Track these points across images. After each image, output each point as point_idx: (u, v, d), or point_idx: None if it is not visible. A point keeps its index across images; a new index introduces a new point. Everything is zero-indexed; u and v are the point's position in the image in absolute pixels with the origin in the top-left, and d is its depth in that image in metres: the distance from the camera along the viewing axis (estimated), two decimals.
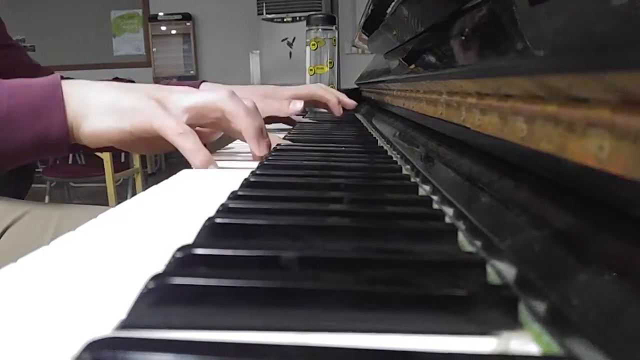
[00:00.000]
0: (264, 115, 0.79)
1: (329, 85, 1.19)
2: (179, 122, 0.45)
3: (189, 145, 0.45)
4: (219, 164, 0.51)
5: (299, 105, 0.80)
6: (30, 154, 0.46)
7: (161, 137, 0.45)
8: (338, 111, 0.88)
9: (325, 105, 0.89)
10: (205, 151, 0.46)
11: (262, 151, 0.49)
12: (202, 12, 4.50)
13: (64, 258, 0.22)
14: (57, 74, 0.46)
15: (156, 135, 0.45)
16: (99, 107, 0.45)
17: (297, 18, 3.61)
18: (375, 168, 0.45)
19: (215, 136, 0.55)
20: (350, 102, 0.90)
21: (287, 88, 0.86)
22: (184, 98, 0.48)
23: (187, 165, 0.49)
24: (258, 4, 3.75)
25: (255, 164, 0.44)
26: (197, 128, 0.50)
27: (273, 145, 0.53)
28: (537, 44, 0.20)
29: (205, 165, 0.46)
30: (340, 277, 0.18)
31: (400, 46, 0.69)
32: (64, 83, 0.45)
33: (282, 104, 0.80)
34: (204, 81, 0.86)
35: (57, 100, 0.44)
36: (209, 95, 0.48)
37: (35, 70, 0.87)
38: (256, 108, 0.50)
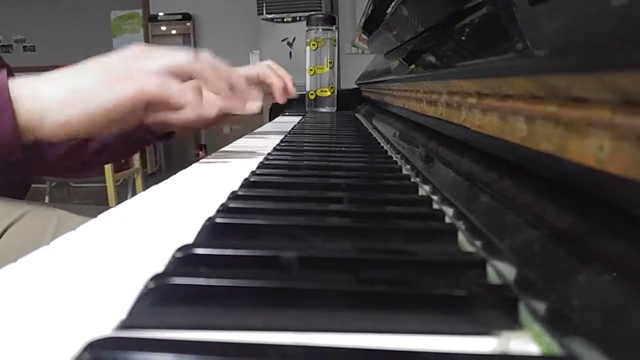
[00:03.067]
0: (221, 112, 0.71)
1: (328, 86, 1.19)
2: (158, 75, 0.44)
3: (174, 88, 0.44)
4: (219, 163, 0.51)
5: (256, 107, 0.67)
6: None
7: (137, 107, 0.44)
8: (280, 98, 0.78)
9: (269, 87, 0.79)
10: (196, 94, 0.45)
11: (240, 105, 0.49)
12: (202, 12, 4.50)
13: (64, 258, 0.22)
14: (3, 72, 0.42)
15: (133, 106, 0.43)
16: (60, 97, 0.42)
17: (297, 18, 3.61)
18: (375, 168, 0.45)
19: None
20: (293, 91, 0.80)
21: (237, 70, 0.79)
22: (149, 64, 0.45)
23: (187, 165, 0.49)
24: (258, 4, 3.75)
25: (255, 164, 0.44)
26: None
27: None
28: (537, 44, 0.20)
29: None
30: (341, 277, 0.18)
31: (400, 46, 0.69)
32: (16, 82, 0.42)
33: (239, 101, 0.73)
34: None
35: (5, 102, 0.41)
36: (174, 58, 0.46)
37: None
38: (222, 66, 0.49)
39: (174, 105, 0.45)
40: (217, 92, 0.48)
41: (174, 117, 0.47)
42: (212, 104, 0.49)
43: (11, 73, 0.65)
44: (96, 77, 0.43)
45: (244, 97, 0.49)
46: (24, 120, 0.42)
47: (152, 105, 0.45)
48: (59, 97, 0.42)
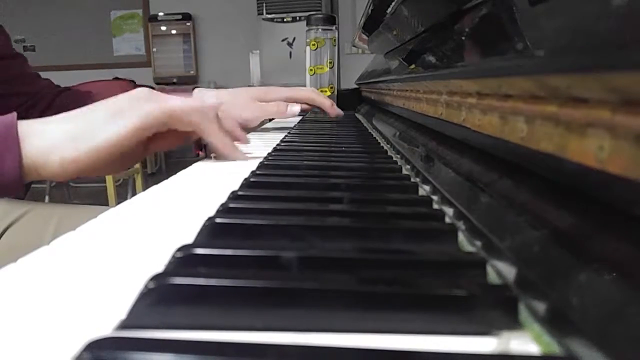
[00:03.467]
0: (259, 120, 0.79)
1: (328, 86, 1.19)
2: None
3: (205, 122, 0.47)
4: (220, 163, 0.51)
5: (296, 108, 0.80)
6: None
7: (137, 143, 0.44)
8: (335, 112, 0.90)
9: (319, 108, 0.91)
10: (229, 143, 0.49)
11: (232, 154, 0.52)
12: (202, 12, 4.50)
13: (64, 258, 0.22)
14: (14, 114, 0.43)
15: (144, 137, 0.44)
16: (67, 134, 0.43)
17: (297, 18, 3.61)
18: (375, 168, 0.45)
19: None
20: (340, 111, 0.93)
21: (281, 89, 0.86)
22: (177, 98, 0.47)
23: (186, 165, 0.49)
24: (258, 4, 3.76)
25: (255, 164, 0.44)
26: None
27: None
28: (537, 44, 0.20)
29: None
30: (341, 277, 0.18)
31: (400, 46, 0.69)
32: (20, 125, 0.42)
33: (279, 106, 0.80)
34: (196, 87, 0.86)
35: (11, 143, 0.41)
36: (170, 105, 0.47)
37: (35, 80, 0.86)
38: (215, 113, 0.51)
39: (176, 127, 0.46)
40: (211, 141, 0.50)
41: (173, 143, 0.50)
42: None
43: (47, 81, 0.66)
44: (101, 114, 0.44)
45: (236, 141, 0.53)
46: (31, 158, 0.42)
47: (154, 137, 0.46)
48: (66, 133, 0.43)
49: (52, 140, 0.42)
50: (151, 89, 0.48)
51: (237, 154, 0.52)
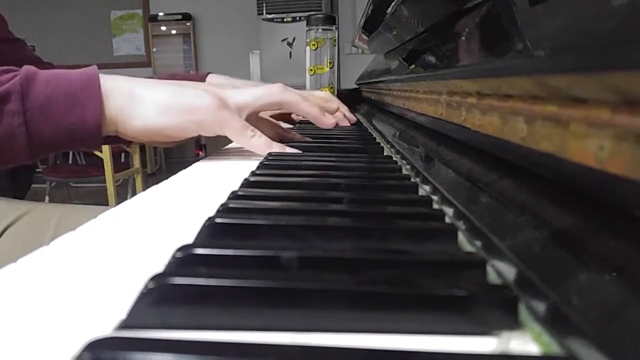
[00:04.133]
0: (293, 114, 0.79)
1: (328, 86, 1.19)
2: (244, 124, 0.49)
3: (262, 142, 0.50)
4: (219, 163, 0.51)
5: (332, 122, 0.71)
6: (63, 145, 0.45)
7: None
8: (325, 123, 0.84)
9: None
10: (273, 143, 0.51)
11: (330, 120, 0.60)
12: (202, 12, 4.50)
13: (64, 258, 0.22)
14: (95, 67, 0.46)
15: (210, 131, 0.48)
16: (152, 103, 0.46)
17: (297, 18, 3.61)
18: (375, 168, 0.45)
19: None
20: (352, 117, 0.92)
21: (315, 95, 0.86)
22: (241, 96, 0.50)
23: (186, 165, 0.49)
24: (258, 4, 3.75)
25: (255, 164, 0.44)
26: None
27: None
28: (537, 44, 0.20)
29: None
30: (340, 277, 0.18)
31: (400, 46, 0.69)
32: (104, 77, 0.45)
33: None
34: (209, 73, 0.86)
35: (93, 93, 0.44)
36: (265, 92, 0.52)
37: (36, 64, 0.86)
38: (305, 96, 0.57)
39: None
40: (310, 118, 0.57)
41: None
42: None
43: (51, 65, 0.66)
44: (198, 97, 0.47)
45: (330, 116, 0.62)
46: (114, 113, 0.45)
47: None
48: (156, 103, 0.46)
49: (141, 106, 0.45)
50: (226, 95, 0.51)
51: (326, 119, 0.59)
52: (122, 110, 0.45)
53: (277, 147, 0.51)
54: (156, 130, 0.46)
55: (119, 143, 0.68)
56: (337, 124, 0.85)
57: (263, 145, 0.50)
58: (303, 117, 0.95)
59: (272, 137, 0.52)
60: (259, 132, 0.50)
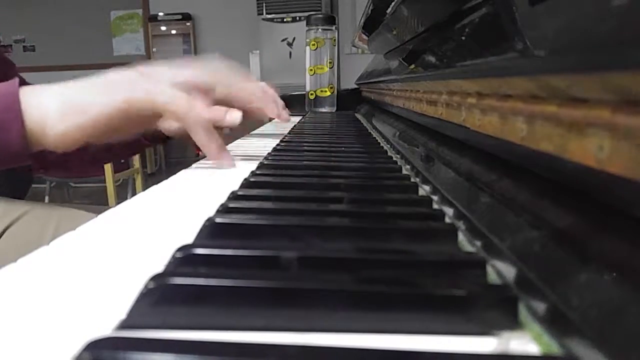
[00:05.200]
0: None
1: (328, 86, 1.19)
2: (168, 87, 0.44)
3: (182, 99, 0.44)
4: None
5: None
6: None
7: (140, 115, 0.44)
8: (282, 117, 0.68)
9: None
10: (195, 105, 0.45)
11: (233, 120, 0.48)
12: (202, 12, 4.50)
13: (64, 258, 0.22)
14: (16, 80, 0.43)
15: (134, 114, 0.44)
16: (57, 109, 0.43)
17: (297, 18, 3.61)
18: (375, 168, 0.45)
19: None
20: (285, 115, 0.69)
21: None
22: (169, 73, 0.47)
23: (186, 165, 0.49)
24: (258, 4, 3.75)
25: (255, 164, 0.44)
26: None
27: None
28: (537, 44, 0.20)
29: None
30: (340, 277, 0.18)
31: (400, 46, 0.69)
32: (22, 92, 0.43)
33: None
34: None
35: (14, 114, 0.42)
36: (187, 76, 0.47)
37: (7, 68, 0.84)
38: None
39: (164, 112, 0.45)
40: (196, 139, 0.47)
41: (169, 126, 0.49)
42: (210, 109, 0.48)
43: (16, 74, 0.64)
44: (95, 88, 0.45)
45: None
46: (31, 130, 0.43)
47: (153, 115, 0.46)
48: (58, 107, 0.43)
49: (46, 113, 0.43)
50: (145, 65, 0.47)
51: (224, 160, 0.48)
52: (37, 124, 0.43)
53: (208, 110, 0.45)
54: (70, 134, 0.43)
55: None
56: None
57: (182, 103, 0.44)
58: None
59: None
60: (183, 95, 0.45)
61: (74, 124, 0.43)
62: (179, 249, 0.20)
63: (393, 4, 0.65)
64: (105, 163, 2.10)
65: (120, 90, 0.44)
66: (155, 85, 0.45)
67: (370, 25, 0.91)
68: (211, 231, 0.24)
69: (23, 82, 0.85)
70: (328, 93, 1.19)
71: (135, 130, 0.51)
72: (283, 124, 0.97)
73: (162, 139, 0.69)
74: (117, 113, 0.44)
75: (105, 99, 0.44)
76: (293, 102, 1.28)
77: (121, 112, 0.44)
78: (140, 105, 0.44)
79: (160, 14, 4.52)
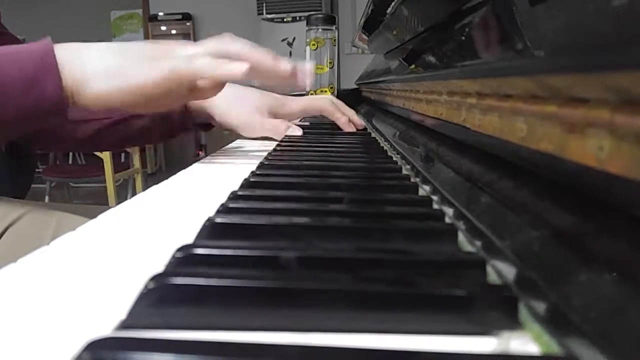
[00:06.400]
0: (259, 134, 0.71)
1: (328, 86, 1.19)
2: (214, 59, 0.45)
3: (235, 67, 0.46)
4: (219, 163, 0.51)
5: (298, 132, 0.71)
6: (30, 123, 0.44)
7: (181, 86, 0.45)
8: (349, 128, 0.80)
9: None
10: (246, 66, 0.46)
11: (284, 68, 0.50)
12: (202, 12, 4.50)
13: (64, 258, 0.22)
14: (48, 39, 0.44)
15: (175, 83, 0.45)
16: (101, 69, 0.44)
17: (297, 18, 3.61)
18: (375, 168, 0.45)
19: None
20: (360, 122, 0.82)
21: (298, 100, 0.79)
22: (188, 48, 0.47)
23: (186, 165, 0.49)
24: (258, 4, 3.75)
25: (255, 164, 0.44)
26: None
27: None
28: (537, 44, 0.20)
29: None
30: (341, 277, 0.18)
31: (400, 46, 0.69)
32: (57, 48, 0.43)
33: (279, 127, 0.71)
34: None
35: (50, 68, 0.42)
36: (216, 44, 0.48)
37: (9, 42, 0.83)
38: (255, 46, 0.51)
39: (208, 82, 0.47)
40: (260, 67, 0.49)
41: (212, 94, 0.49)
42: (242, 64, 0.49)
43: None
44: (138, 55, 0.45)
45: (285, 64, 0.51)
46: (68, 86, 0.44)
47: (193, 88, 0.47)
48: (101, 67, 0.44)
49: (88, 72, 0.44)
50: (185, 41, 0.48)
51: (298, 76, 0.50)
52: (76, 82, 0.44)
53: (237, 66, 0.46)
54: (107, 97, 0.44)
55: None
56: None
57: (238, 71, 0.46)
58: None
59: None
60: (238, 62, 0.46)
61: (116, 87, 0.44)
62: (179, 249, 0.20)
63: (393, 4, 0.65)
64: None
65: (164, 61, 0.45)
66: (195, 56, 0.46)
67: (370, 25, 0.91)
68: (211, 231, 0.24)
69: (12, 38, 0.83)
70: (328, 93, 1.19)
71: (174, 102, 0.51)
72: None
73: (203, 126, 0.72)
74: (162, 82, 0.45)
75: (150, 68, 0.45)
76: None
77: (166, 81, 0.45)
78: (185, 75, 0.45)
79: (160, 14, 4.52)
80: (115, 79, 0.44)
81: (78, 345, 0.14)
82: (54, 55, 0.43)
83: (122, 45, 0.47)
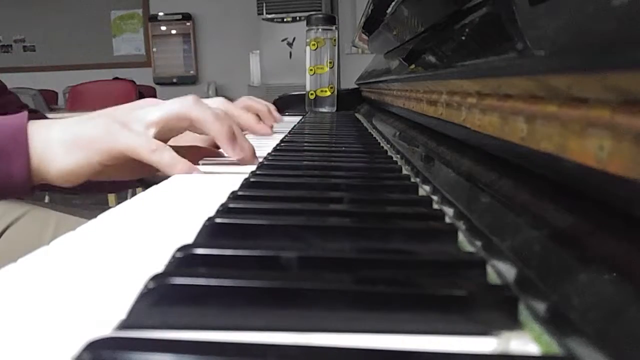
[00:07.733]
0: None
1: (328, 86, 1.19)
2: (147, 139, 0.43)
3: (165, 159, 0.42)
4: (219, 164, 0.51)
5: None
6: None
7: (136, 160, 0.43)
8: (261, 130, 0.73)
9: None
10: (184, 161, 0.43)
11: (237, 154, 0.46)
12: (202, 12, 4.50)
13: (64, 258, 0.22)
14: (25, 114, 0.44)
15: (129, 158, 0.43)
16: (61, 145, 0.43)
17: (297, 18, 3.61)
18: (375, 168, 0.45)
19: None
20: (278, 116, 0.82)
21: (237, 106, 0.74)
22: (147, 113, 0.45)
23: None
24: (258, 4, 3.75)
25: (255, 164, 0.44)
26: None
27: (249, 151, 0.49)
28: (537, 44, 0.20)
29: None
30: (341, 277, 0.18)
31: (400, 46, 0.69)
32: (30, 125, 0.43)
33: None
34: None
35: (20, 144, 0.42)
36: (173, 106, 0.45)
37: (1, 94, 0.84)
38: (225, 112, 0.48)
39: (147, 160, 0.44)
40: (216, 140, 0.47)
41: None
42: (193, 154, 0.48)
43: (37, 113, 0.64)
44: (97, 129, 0.44)
45: (243, 146, 0.48)
46: (36, 164, 0.43)
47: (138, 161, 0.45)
48: (62, 143, 0.43)
49: (51, 149, 0.43)
50: (151, 100, 0.47)
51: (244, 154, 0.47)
52: (42, 159, 0.43)
53: (182, 167, 0.43)
54: (70, 172, 0.43)
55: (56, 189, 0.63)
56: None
57: (165, 165, 0.43)
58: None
59: (192, 156, 0.47)
60: (168, 151, 0.43)
61: (83, 159, 0.43)
62: (179, 249, 0.20)
63: (393, 4, 0.65)
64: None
65: (124, 136, 0.43)
66: (158, 147, 0.43)
67: (371, 25, 0.91)
68: (211, 231, 0.24)
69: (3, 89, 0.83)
70: (328, 93, 1.19)
71: (136, 174, 0.50)
72: (282, 124, 0.98)
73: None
74: (120, 157, 0.43)
75: (109, 142, 0.43)
76: (293, 102, 1.28)
77: (123, 157, 0.43)
78: (143, 158, 0.43)
79: (160, 13, 4.52)
80: (76, 152, 0.43)
81: (78, 345, 0.14)
82: (26, 133, 0.42)
83: (84, 119, 0.45)
